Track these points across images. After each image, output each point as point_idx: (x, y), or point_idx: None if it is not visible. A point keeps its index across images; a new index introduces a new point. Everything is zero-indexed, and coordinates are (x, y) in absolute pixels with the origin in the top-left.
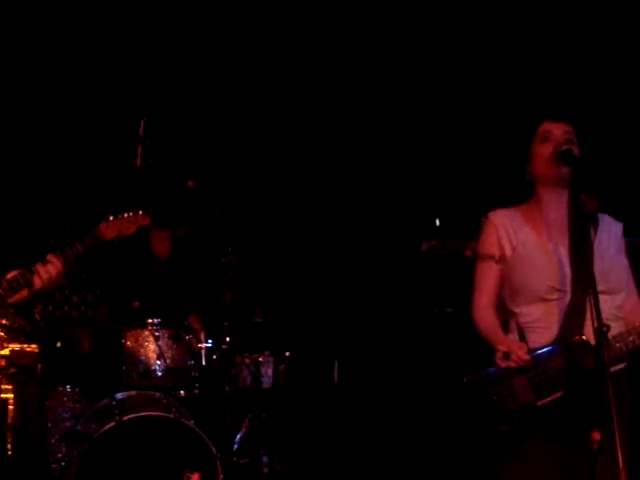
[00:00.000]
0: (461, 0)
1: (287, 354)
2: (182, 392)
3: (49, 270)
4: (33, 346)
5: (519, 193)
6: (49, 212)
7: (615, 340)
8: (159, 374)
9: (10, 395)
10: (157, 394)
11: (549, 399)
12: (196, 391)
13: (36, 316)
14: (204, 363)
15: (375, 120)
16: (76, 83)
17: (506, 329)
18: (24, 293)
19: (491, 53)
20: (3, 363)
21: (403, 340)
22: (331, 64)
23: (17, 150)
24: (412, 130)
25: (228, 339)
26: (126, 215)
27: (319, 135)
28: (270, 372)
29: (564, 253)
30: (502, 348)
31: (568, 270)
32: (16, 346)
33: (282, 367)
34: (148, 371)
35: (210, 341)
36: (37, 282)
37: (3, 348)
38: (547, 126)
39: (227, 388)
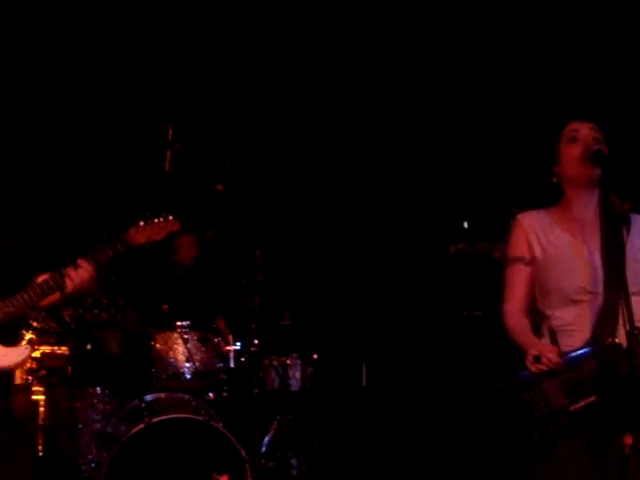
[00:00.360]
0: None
1: (315, 357)
2: (211, 394)
3: (80, 274)
4: (63, 348)
5: (547, 195)
6: (79, 216)
7: None
8: (188, 376)
9: (41, 397)
10: (186, 396)
11: (582, 404)
12: (225, 394)
13: (67, 319)
14: (232, 366)
15: (403, 123)
16: (106, 89)
17: (538, 332)
18: (55, 296)
19: (518, 56)
20: (34, 365)
21: (431, 343)
22: (357, 68)
23: (48, 155)
24: (440, 132)
25: (256, 342)
26: (156, 220)
27: (348, 138)
28: (298, 375)
29: (596, 255)
30: (533, 351)
31: (600, 272)
32: (47, 348)
33: (310, 370)
34: (177, 373)
35: (238, 344)
36: (69, 285)
37: (34, 350)
38: (574, 126)
39: (255, 391)
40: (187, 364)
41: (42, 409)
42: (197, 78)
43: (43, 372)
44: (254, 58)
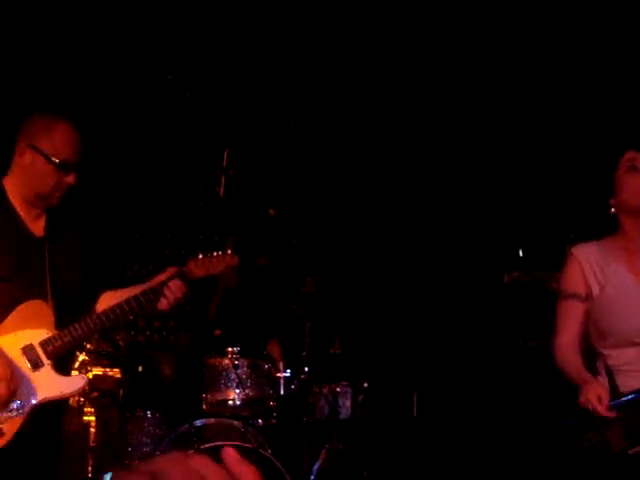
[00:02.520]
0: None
1: (365, 385)
2: (260, 421)
3: (175, 293)
4: (115, 370)
5: (603, 226)
6: (133, 240)
7: None
8: (238, 403)
9: (92, 418)
10: (236, 422)
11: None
12: (274, 421)
13: (120, 342)
14: (282, 393)
15: (459, 151)
16: (162, 115)
17: (592, 370)
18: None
19: (570, 85)
20: (87, 387)
21: (485, 374)
22: (405, 97)
23: (103, 180)
24: (498, 160)
25: (306, 369)
26: (215, 254)
27: (400, 166)
28: (348, 403)
29: None
30: (582, 400)
31: None
32: (99, 371)
33: (360, 398)
34: (227, 399)
35: (289, 371)
36: (163, 303)
37: (87, 372)
38: (632, 155)
39: (304, 418)
40: (237, 390)
41: (93, 430)
42: (252, 105)
43: (95, 394)
44: (308, 86)
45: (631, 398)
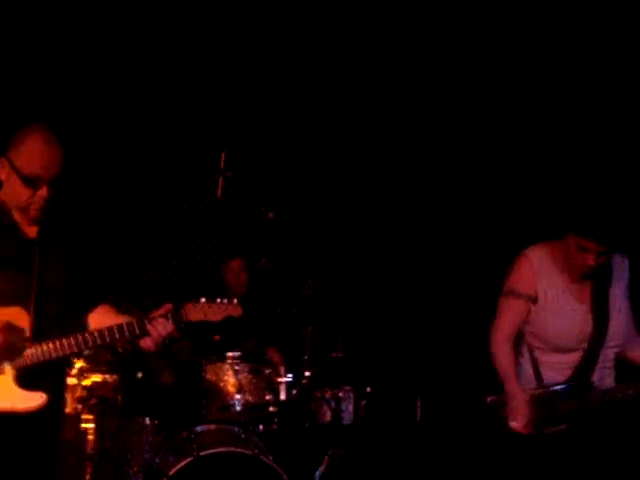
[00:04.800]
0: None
1: (368, 389)
2: (261, 427)
3: (164, 328)
4: (114, 377)
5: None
6: (131, 243)
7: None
8: (238, 408)
9: (90, 425)
10: (236, 429)
11: (555, 429)
12: (275, 426)
13: (119, 349)
14: (283, 398)
15: (458, 159)
16: (160, 117)
17: (516, 349)
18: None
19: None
20: (84, 394)
21: (489, 379)
22: (407, 103)
23: (101, 184)
24: (492, 163)
25: (308, 374)
26: (218, 301)
27: (402, 169)
28: (351, 408)
29: (589, 316)
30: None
31: (589, 329)
32: (97, 377)
33: (363, 403)
34: (227, 405)
35: (290, 375)
36: (148, 343)
37: (85, 379)
38: None
39: (306, 424)
40: (237, 396)
41: (90, 437)
42: (250, 106)
43: (93, 401)
44: (306, 88)
45: (552, 390)
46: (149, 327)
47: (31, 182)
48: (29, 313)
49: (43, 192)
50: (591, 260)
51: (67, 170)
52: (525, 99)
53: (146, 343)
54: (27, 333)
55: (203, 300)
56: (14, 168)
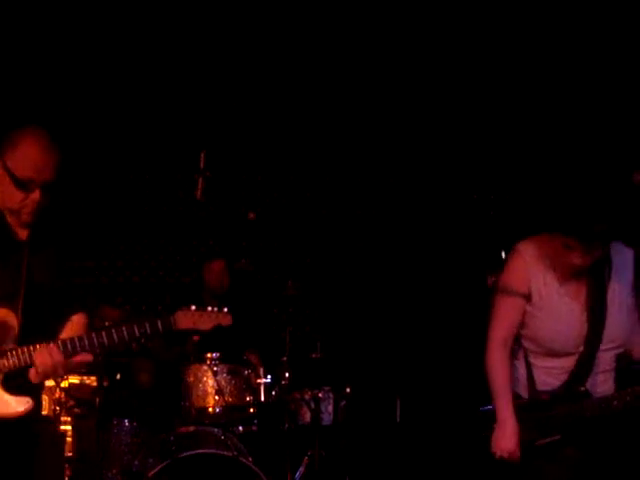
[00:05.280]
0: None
1: (348, 390)
2: (240, 428)
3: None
4: (92, 378)
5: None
6: (110, 245)
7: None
8: (217, 410)
9: (69, 427)
10: (215, 430)
11: (548, 440)
12: (254, 428)
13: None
14: (263, 399)
15: (440, 153)
16: (138, 117)
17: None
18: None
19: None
20: (62, 396)
21: (469, 378)
22: (391, 103)
23: (78, 182)
24: (477, 163)
25: (287, 375)
26: (209, 309)
27: (381, 168)
28: (330, 409)
29: (584, 315)
30: (495, 451)
31: (584, 331)
32: (75, 379)
33: (343, 403)
34: (206, 407)
35: (269, 377)
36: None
37: (63, 380)
38: None
39: (286, 425)
40: (216, 397)
41: (69, 439)
42: (229, 106)
43: (71, 403)
44: (287, 88)
45: (545, 398)
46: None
47: (23, 185)
48: (17, 314)
49: (36, 196)
50: (577, 259)
51: (60, 173)
52: (510, 101)
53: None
54: (15, 334)
55: (193, 308)
56: (7, 170)
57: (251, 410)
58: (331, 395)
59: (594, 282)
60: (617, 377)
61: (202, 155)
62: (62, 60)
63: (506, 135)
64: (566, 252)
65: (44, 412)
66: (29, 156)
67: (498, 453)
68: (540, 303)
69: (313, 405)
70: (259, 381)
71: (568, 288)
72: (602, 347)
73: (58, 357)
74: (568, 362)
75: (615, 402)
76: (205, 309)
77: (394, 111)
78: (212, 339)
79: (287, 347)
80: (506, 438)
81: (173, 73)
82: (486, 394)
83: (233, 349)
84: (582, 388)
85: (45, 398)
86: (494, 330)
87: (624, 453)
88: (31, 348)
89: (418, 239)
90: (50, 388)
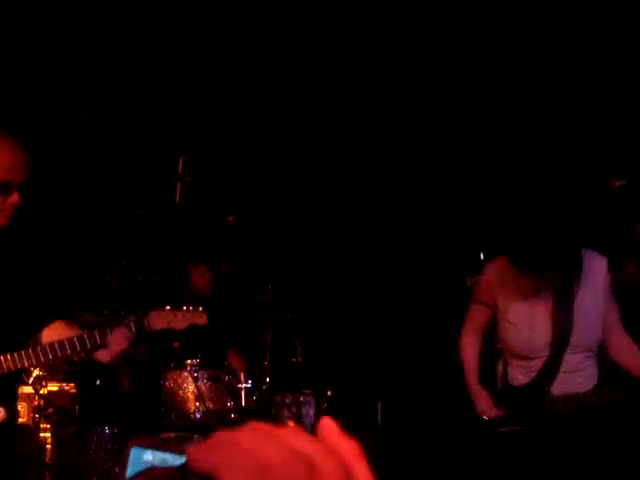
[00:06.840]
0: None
1: (329, 393)
2: None
3: (120, 343)
4: (71, 385)
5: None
6: (88, 250)
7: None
8: (198, 416)
9: (48, 434)
10: (196, 436)
11: (508, 429)
12: None
13: (74, 358)
14: (244, 404)
15: (422, 153)
16: (116, 122)
17: (497, 352)
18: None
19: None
20: (42, 403)
21: (450, 382)
22: (377, 100)
23: (56, 188)
24: (456, 164)
25: (268, 379)
26: (184, 308)
27: (361, 170)
28: (312, 412)
29: (549, 323)
30: (478, 411)
31: (549, 338)
32: (54, 386)
33: (324, 406)
34: (187, 413)
35: (250, 381)
36: (105, 355)
37: (42, 387)
38: None
39: None
40: (197, 403)
41: (49, 447)
42: (207, 110)
43: (50, 410)
44: (265, 90)
45: (513, 392)
46: (110, 338)
47: (3, 187)
48: None
49: (14, 198)
50: (531, 282)
51: (37, 178)
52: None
53: (103, 355)
54: None
55: (168, 308)
56: None
57: (232, 415)
58: (312, 398)
59: (561, 291)
60: (602, 376)
61: (181, 160)
62: (40, 66)
63: (488, 141)
64: (521, 276)
65: (23, 420)
66: (7, 158)
67: (485, 416)
68: (506, 315)
69: (294, 409)
70: (240, 386)
71: (533, 300)
72: (569, 351)
73: (132, 338)
74: (536, 363)
75: (584, 400)
76: (180, 309)
77: (371, 121)
78: (193, 343)
79: (268, 351)
80: (484, 404)
81: (152, 79)
82: (466, 397)
83: (214, 353)
84: (546, 387)
85: (24, 406)
86: (466, 323)
87: (591, 450)
88: (1, 358)
89: (398, 243)
90: (29, 396)
